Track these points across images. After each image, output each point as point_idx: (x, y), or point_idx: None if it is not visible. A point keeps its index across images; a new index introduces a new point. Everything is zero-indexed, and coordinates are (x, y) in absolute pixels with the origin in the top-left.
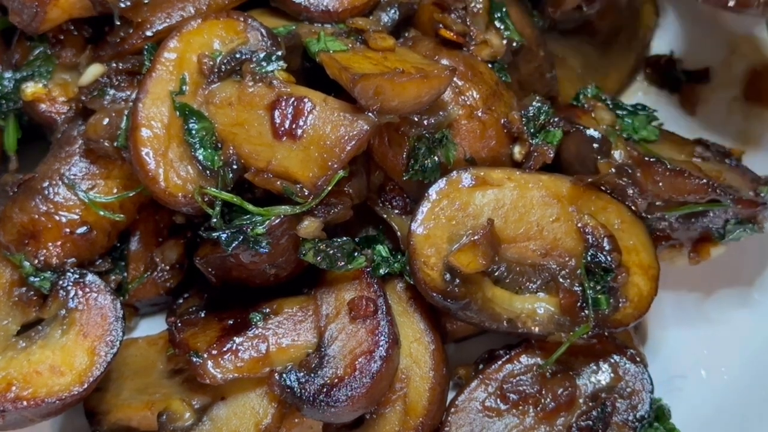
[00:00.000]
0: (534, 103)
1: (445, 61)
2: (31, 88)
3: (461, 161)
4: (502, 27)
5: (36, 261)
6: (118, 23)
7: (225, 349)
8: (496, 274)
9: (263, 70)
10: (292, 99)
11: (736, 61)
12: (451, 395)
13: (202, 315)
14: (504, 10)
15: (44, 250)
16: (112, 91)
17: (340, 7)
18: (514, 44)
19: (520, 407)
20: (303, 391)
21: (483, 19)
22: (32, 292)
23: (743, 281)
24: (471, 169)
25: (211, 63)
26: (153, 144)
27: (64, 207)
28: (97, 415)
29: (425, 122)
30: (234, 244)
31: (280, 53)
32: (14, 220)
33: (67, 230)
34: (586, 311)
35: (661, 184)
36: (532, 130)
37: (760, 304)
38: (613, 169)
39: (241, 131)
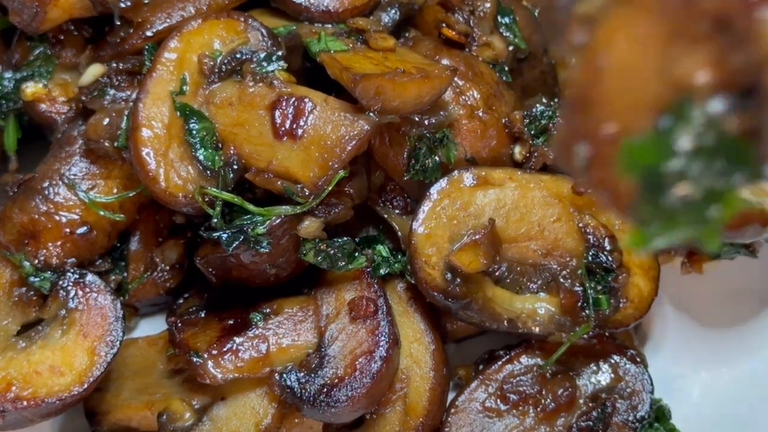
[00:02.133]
0: (538, 105)
1: (445, 61)
2: (31, 88)
3: (462, 161)
4: (508, 33)
5: (36, 261)
6: (118, 23)
7: (225, 349)
8: (497, 273)
9: (264, 70)
10: (293, 99)
11: None
12: (451, 396)
13: (202, 315)
14: (512, 16)
15: (44, 250)
16: (112, 91)
17: (340, 7)
18: (520, 53)
19: (521, 408)
20: (303, 391)
21: (488, 23)
22: (32, 292)
23: (744, 281)
24: (472, 168)
25: (212, 63)
26: (153, 144)
27: (64, 207)
28: (97, 415)
29: (426, 122)
30: (234, 244)
31: (280, 53)
32: (14, 220)
33: (67, 230)
34: (587, 311)
35: None
36: (532, 132)
37: (762, 303)
38: None
39: (242, 131)
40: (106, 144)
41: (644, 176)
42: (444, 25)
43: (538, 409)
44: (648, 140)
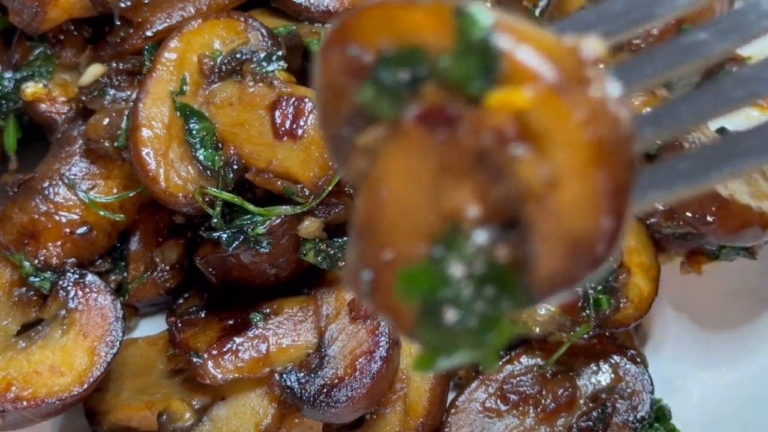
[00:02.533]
0: None
1: None
2: (31, 88)
3: None
4: None
5: (36, 261)
6: (118, 23)
7: (225, 349)
8: None
9: (264, 70)
10: (293, 99)
11: None
12: (451, 396)
13: (202, 315)
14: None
15: (44, 250)
16: (112, 91)
17: (340, 7)
18: None
19: (521, 408)
20: (303, 391)
21: None
22: (32, 292)
23: (744, 282)
24: None
25: (212, 63)
26: (153, 144)
27: (64, 207)
28: (97, 415)
29: None
30: (235, 244)
31: (280, 53)
32: (14, 220)
33: (67, 230)
34: (587, 311)
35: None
36: None
37: (762, 303)
38: None
39: (242, 131)
40: (106, 144)
41: (422, 302)
42: None
43: (538, 409)
44: (422, 268)
